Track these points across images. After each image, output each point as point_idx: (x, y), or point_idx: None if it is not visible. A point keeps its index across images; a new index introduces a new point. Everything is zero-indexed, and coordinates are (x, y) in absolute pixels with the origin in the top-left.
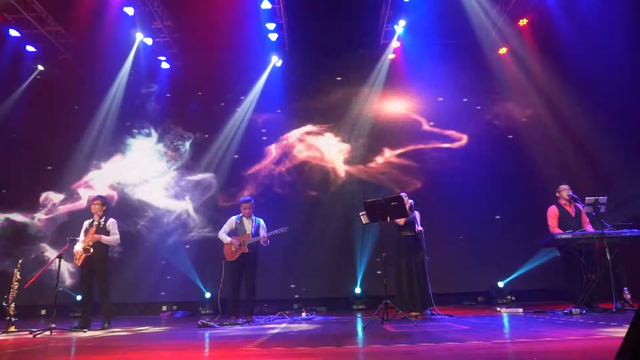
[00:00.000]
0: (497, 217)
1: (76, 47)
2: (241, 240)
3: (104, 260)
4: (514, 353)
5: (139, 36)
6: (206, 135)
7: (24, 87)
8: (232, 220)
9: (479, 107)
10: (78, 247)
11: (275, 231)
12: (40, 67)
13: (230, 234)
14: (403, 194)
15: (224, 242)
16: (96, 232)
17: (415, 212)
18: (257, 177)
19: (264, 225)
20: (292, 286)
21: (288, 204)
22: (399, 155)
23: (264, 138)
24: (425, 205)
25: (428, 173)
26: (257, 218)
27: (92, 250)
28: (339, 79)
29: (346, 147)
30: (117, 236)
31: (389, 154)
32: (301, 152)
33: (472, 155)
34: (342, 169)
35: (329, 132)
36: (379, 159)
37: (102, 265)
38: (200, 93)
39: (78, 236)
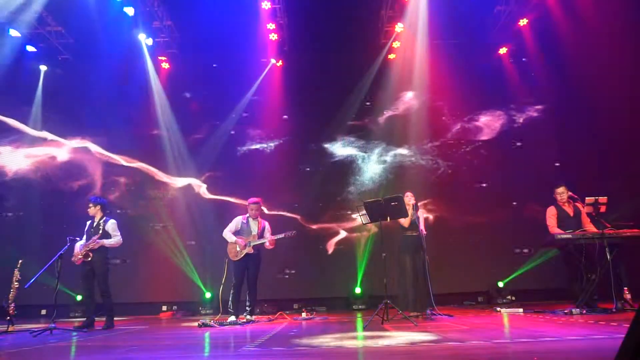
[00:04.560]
0: (495, 217)
1: (76, 47)
2: (247, 240)
3: (104, 261)
4: (514, 353)
5: (142, 37)
6: (200, 135)
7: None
8: (238, 220)
9: (479, 109)
10: (78, 248)
11: (284, 234)
12: (44, 67)
13: (235, 234)
14: (408, 194)
15: (229, 241)
16: (94, 234)
17: (419, 213)
18: (255, 177)
19: (269, 229)
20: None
21: (287, 204)
22: (400, 156)
23: (264, 138)
24: (426, 206)
25: (428, 173)
26: (263, 221)
27: (91, 255)
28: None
29: (347, 146)
30: (119, 237)
31: (389, 154)
32: (301, 153)
33: (472, 157)
34: (343, 169)
35: (330, 132)
36: (380, 158)
37: (102, 266)
38: (199, 93)
39: (78, 236)
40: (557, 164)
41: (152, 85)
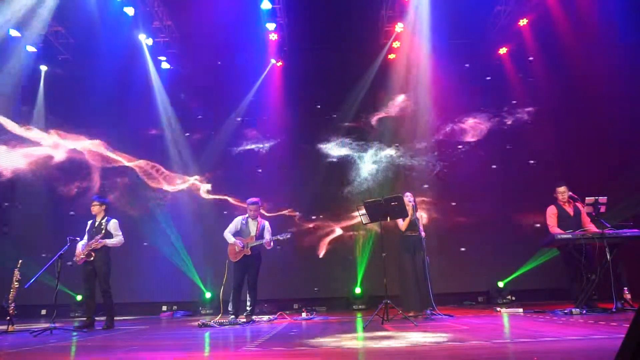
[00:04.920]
0: (497, 216)
1: (76, 47)
2: (245, 242)
3: (105, 261)
4: (514, 353)
5: (142, 37)
6: (200, 135)
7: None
8: (238, 220)
9: (480, 109)
10: (80, 248)
11: (279, 236)
12: (44, 67)
13: (235, 234)
14: (408, 194)
15: (229, 241)
16: (96, 234)
17: (418, 214)
18: (255, 177)
19: (269, 229)
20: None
21: (286, 204)
22: (400, 156)
23: (261, 138)
24: (422, 204)
25: (428, 174)
26: (262, 220)
27: (94, 255)
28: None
29: (347, 147)
30: (120, 236)
31: (389, 154)
32: (300, 153)
33: (472, 156)
34: (343, 169)
35: (329, 132)
36: (379, 159)
37: (103, 266)
38: (199, 93)
39: (78, 236)
40: (556, 163)
41: (153, 85)
